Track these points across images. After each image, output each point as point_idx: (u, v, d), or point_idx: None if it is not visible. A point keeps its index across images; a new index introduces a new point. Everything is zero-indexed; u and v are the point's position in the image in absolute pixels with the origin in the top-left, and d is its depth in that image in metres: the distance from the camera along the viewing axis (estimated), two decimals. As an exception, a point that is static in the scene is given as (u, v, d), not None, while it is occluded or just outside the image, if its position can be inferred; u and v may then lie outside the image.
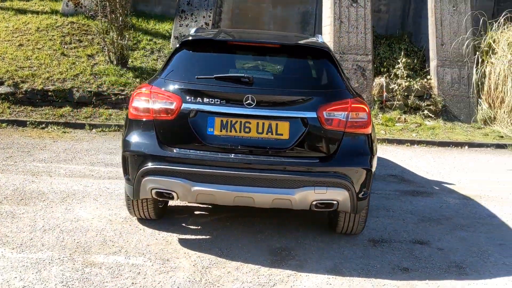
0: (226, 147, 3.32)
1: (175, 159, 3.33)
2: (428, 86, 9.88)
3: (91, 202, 4.44)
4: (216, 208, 4.29)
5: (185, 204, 4.41)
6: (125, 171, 3.52)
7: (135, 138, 3.48)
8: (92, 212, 4.19)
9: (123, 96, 8.58)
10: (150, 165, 3.34)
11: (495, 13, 11.30)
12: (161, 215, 4.03)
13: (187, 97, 3.35)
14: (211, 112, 3.32)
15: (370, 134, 3.48)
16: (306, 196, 3.27)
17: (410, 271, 3.38)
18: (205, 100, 3.34)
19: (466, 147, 8.31)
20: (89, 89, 8.49)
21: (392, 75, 9.97)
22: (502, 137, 8.89)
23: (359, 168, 3.35)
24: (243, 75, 3.41)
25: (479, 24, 10.10)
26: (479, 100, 9.76)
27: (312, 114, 3.32)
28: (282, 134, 3.30)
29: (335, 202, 3.33)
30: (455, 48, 10.00)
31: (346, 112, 3.36)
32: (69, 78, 8.64)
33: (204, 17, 10.45)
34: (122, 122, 7.47)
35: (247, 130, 3.31)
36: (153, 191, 3.41)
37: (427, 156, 7.43)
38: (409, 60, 10.16)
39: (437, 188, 5.58)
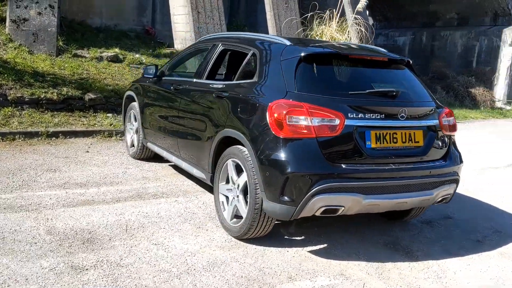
0: (383, 158, 3.53)
1: (345, 175, 3.36)
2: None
3: (169, 230, 3.87)
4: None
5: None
6: (284, 193, 3.33)
7: (298, 158, 3.34)
8: (190, 241, 3.70)
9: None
10: (322, 183, 3.29)
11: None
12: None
13: (349, 113, 3.40)
14: (369, 126, 3.47)
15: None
16: (439, 193, 3.79)
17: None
18: (366, 115, 3.46)
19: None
20: None
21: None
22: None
23: (461, 164, 4.04)
24: (392, 89, 3.64)
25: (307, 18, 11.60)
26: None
27: (436, 122, 3.83)
28: (418, 142, 3.70)
29: (449, 195, 3.95)
30: (292, 41, 11.30)
31: (449, 118, 3.98)
32: None
33: (46, -2, 8.94)
34: None
35: (395, 140, 3.59)
36: (322, 209, 3.37)
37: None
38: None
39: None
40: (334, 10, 11.74)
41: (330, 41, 4.46)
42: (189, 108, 4.60)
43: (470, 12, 18.64)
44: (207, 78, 4.61)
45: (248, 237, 3.73)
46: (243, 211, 3.70)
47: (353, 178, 3.39)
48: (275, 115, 3.38)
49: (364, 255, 3.72)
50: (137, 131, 6.04)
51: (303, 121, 3.33)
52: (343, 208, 3.40)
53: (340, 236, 4.04)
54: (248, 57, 4.12)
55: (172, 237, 3.78)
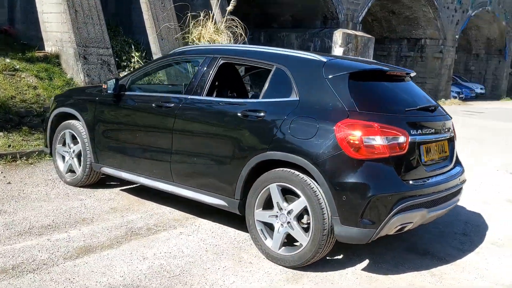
0: (432, 171, 3.75)
1: (414, 191, 3.49)
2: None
3: (215, 269, 3.48)
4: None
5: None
6: (364, 216, 3.30)
7: (378, 179, 3.34)
8: (251, 279, 3.39)
9: None
10: (402, 203, 3.36)
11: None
12: None
13: (411, 130, 3.52)
14: (423, 141, 3.64)
15: None
16: (459, 198, 4.19)
17: None
18: (421, 130, 3.63)
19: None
20: None
21: (132, 69, 9.89)
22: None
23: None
24: (434, 104, 3.88)
25: (181, 20, 11.27)
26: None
27: (452, 131, 4.18)
28: (446, 152, 4.02)
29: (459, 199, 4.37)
30: (172, 43, 10.87)
31: (453, 126, 4.39)
32: None
33: None
34: None
35: (435, 153, 3.83)
36: (397, 228, 3.45)
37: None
38: (137, 54, 10.28)
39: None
40: (209, 11, 11.67)
41: (356, 57, 4.34)
42: (195, 129, 4.14)
43: (303, 15, 20.28)
44: (208, 95, 4.22)
45: (307, 264, 3.58)
46: (302, 238, 3.53)
47: (420, 194, 3.53)
48: (350, 136, 3.31)
49: (406, 264, 3.89)
50: (79, 155, 5.19)
51: (377, 140, 3.33)
52: (412, 223, 3.52)
53: (369, 250, 4.11)
54: (273, 73, 3.89)
55: (227, 277, 3.41)
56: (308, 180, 3.46)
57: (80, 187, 5.25)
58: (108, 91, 4.70)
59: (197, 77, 4.32)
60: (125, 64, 9.92)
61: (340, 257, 3.93)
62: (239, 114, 3.84)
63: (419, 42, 26.94)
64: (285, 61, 3.88)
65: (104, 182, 5.44)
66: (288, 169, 3.56)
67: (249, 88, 5.83)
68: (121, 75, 9.52)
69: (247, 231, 4.11)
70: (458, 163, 4.26)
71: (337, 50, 19.21)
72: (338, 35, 19.07)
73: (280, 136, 3.58)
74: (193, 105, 4.19)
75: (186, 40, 11.20)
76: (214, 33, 11.49)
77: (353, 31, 19.60)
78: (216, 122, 4.02)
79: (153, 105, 4.43)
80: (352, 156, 3.31)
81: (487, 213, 5.45)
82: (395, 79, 4.00)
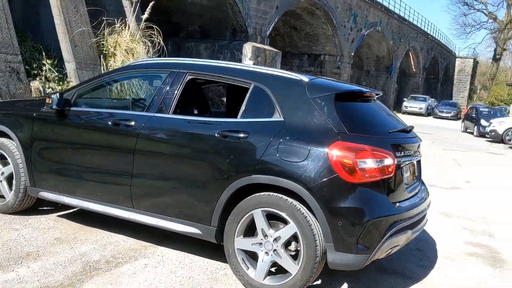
0: (410, 192, 3.79)
1: (403, 214, 3.49)
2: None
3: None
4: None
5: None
6: (359, 241, 3.23)
7: (373, 203, 3.30)
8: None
9: None
10: (394, 226, 3.35)
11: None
12: None
13: (396, 152, 3.53)
14: (404, 163, 3.67)
15: None
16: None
17: None
18: (404, 152, 3.66)
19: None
20: None
21: (43, 77, 9.01)
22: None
23: None
24: (407, 126, 3.93)
25: (95, 27, 10.56)
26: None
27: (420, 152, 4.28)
28: (416, 173, 4.06)
29: None
30: (86, 50, 10.12)
31: None
32: None
33: None
34: None
35: (411, 174, 3.88)
36: (387, 252, 3.42)
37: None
38: (49, 61, 9.40)
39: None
40: (125, 19, 11.12)
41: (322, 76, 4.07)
42: (163, 151, 3.78)
43: (211, 26, 20.20)
44: (174, 113, 3.90)
45: None
46: (291, 266, 3.36)
47: (408, 216, 3.53)
48: (345, 159, 3.22)
49: (382, 285, 3.90)
50: (10, 178, 4.53)
51: (368, 164, 3.27)
52: (398, 246, 3.51)
53: (343, 273, 4.04)
54: (251, 92, 3.69)
55: (215, 313, 3.13)
56: (298, 205, 3.31)
57: (10, 214, 4.58)
58: (53, 106, 4.15)
59: (161, 94, 3.98)
60: (36, 72, 9.02)
61: (319, 282, 3.82)
62: (216, 135, 3.58)
63: (319, 58, 28.20)
64: (264, 80, 3.71)
65: (35, 207, 4.80)
66: (275, 194, 3.38)
67: (221, 107, 5.55)
68: (32, 84, 8.66)
69: (216, 259, 3.87)
70: (422, 182, 4.39)
71: (247, 63, 19.38)
72: (247, 48, 19.25)
73: (267, 158, 3.39)
74: (160, 124, 3.85)
75: (102, 48, 10.52)
76: (131, 41, 10.94)
77: (262, 45, 19.93)
78: (189, 143, 3.71)
79: (109, 123, 4.00)
80: (347, 180, 3.23)
81: (428, 227, 5.70)
82: (369, 100, 4.01)
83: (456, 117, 36.28)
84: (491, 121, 21.39)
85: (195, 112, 4.66)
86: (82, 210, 4.55)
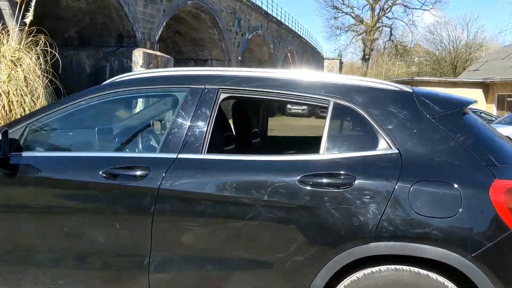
0: None
1: None
2: None
3: None
4: None
5: None
6: None
7: None
8: None
9: None
10: None
11: None
12: None
13: None
14: None
15: None
16: None
17: None
18: None
19: None
20: None
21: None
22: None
23: None
24: None
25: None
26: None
27: None
28: None
29: None
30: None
31: None
32: None
33: None
34: None
35: None
36: None
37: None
38: None
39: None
40: (7, 24, 8.96)
41: None
42: (202, 215, 2.38)
43: (93, 32, 18.05)
44: (209, 152, 2.51)
45: None
46: None
47: None
48: None
49: None
50: None
51: None
52: None
53: None
54: (332, 112, 2.45)
55: None
56: (446, 282, 2.18)
57: None
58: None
59: (181, 123, 2.56)
60: None
61: None
62: (297, 183, 2.29)
63: (206, 63, 27.14)
64: (348, 94, 2.49)
65: None
66: (408, 268, 2.21)
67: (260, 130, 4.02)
68: None
69: None
70: None
71: (139, 71, 17.60)
72: (138, 55, 17.48)
73: (393, 215, 2.20)
74: (195, 171, 2.44)
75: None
76: (17, 50, 8.81)
77: (153, 51, 18.31)
78: (250, 199, 2.35)
79: (99, 174, 2.46)
80: None
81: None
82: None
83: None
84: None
85: (230, 147, 3.22)
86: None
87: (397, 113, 2.41)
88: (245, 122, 3.68)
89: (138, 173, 2.45)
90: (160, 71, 2.86)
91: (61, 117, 2.78)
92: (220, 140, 2.92)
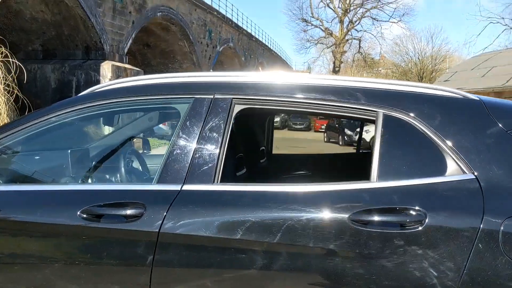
0: None
1: None
2: None
3: None
4: None
5: None
6: None
7: None
8: None
9: None
10: None
11: None
12: None
13: None
14: None
15: None
16: None
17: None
18: None
19: None
20: None
21: None
22: None
23: None
24: None
25: None
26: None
27: None
28: None
29: None
30: None
31: None
32: None
33: None
34: None
35: None
36: None
37: None
38: None
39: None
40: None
41: None
42: (215, 262, 1.79)
43: (58, 44, 17.20)
44: (223, 181, 1.92)
45: None
46: None
47: None
48: None
49: None
50: None
51: None
52: None
53: None
54: (383, 127, 1.90)
55: None
56: None
57: None
58: None
59: (183, 144, 1.96)
60: None
61: None
62: (349, 222, 1.73)
63: (177, 76, 26.51)
64: (401, 103, 1.96)
65: None
66: None
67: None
68: None
69: None
70: None
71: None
72: (106, 68, 16.70)
73: (480, 263, 1.65)
74: (203, 207, 1.85)
75: None
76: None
77: (122, 64, 17.57)
78: (283, 244, 1.76)
79: (79, 213, 1.84)
80: None
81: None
82: None
83: (308, 128, 37.65)
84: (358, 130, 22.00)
85: (242, 171, 2.61)
86: None
87: (467, 128, 1.89)
88: (253, 139, 3.09)
89: (130, 212, 1.84)
90: (152, 78, 2.25)
91: (26, 137, 2.14)
92: (232, 164, 2.33)
